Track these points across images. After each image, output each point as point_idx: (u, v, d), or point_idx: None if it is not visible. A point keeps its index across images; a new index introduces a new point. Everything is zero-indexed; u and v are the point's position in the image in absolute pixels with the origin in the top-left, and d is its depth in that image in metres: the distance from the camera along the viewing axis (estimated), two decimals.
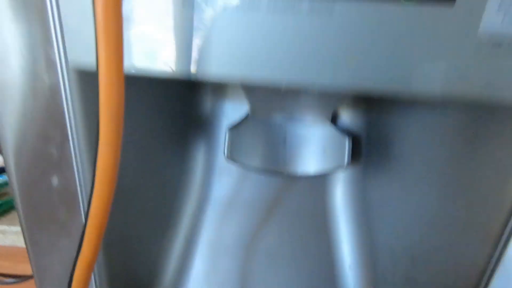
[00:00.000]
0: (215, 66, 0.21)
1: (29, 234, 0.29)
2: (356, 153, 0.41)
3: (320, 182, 0.45)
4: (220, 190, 0.46)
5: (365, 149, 0.41)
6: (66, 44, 0.22)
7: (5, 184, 0.87)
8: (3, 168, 0.93)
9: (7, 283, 0.83)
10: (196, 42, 0.21)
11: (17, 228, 0.79)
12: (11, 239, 0.79)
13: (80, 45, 0.22)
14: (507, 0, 0.17)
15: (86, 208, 0.27)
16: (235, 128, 0.38)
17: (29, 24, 0.22)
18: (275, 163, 0.39)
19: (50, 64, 0.23)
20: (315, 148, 0.38)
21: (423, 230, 0.33)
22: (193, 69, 0.21)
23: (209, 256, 0.45)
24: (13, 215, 0.82)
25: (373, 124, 0.39)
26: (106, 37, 0.17)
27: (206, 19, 0.20)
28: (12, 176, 0.28)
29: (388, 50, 0.19)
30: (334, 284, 0.43)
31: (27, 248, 0.30)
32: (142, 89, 0.32)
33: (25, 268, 0.88)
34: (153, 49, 0.21)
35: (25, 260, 0.87)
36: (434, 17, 0.18)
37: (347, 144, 0.37)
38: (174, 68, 0.21)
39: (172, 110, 0.40)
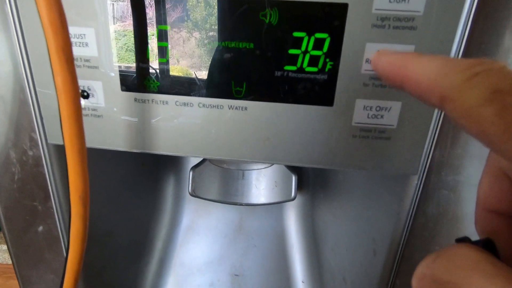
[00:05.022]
0: (170, 144, 0.27)
1: (20, 270, 0.35)
2: (304, 185, 0.48)
3: (277, 208, 0.51)
4: (189, 216, 0.52)
5: (312, 182, 0.48)
6: (45, 127, 0.28)
7: None
8: None
9: None
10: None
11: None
12: (1, 257, 0.82)
13: (56, 127, 0.28)
14: (369, 101, 0.24)
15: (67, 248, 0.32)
16: (197, 167, 0.45)
17: (16, 116, 0.28)
18: (234, 196, 0.45)
19: (33, 142, 0.29)
20: (268, 182, 0.45)
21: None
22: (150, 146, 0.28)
23: (181, 275, 0.51)
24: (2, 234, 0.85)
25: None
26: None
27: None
28: (3, 225, 0.33)
29: (283, 135, 0.26)
30: None
31: (18, 283, 0.36)
32: None
33: (15, 284, 0.91)
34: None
35: (15, 276, 0.91)
36: (318, 113, 0.25)
37: (293, 180, 0.43)
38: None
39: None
